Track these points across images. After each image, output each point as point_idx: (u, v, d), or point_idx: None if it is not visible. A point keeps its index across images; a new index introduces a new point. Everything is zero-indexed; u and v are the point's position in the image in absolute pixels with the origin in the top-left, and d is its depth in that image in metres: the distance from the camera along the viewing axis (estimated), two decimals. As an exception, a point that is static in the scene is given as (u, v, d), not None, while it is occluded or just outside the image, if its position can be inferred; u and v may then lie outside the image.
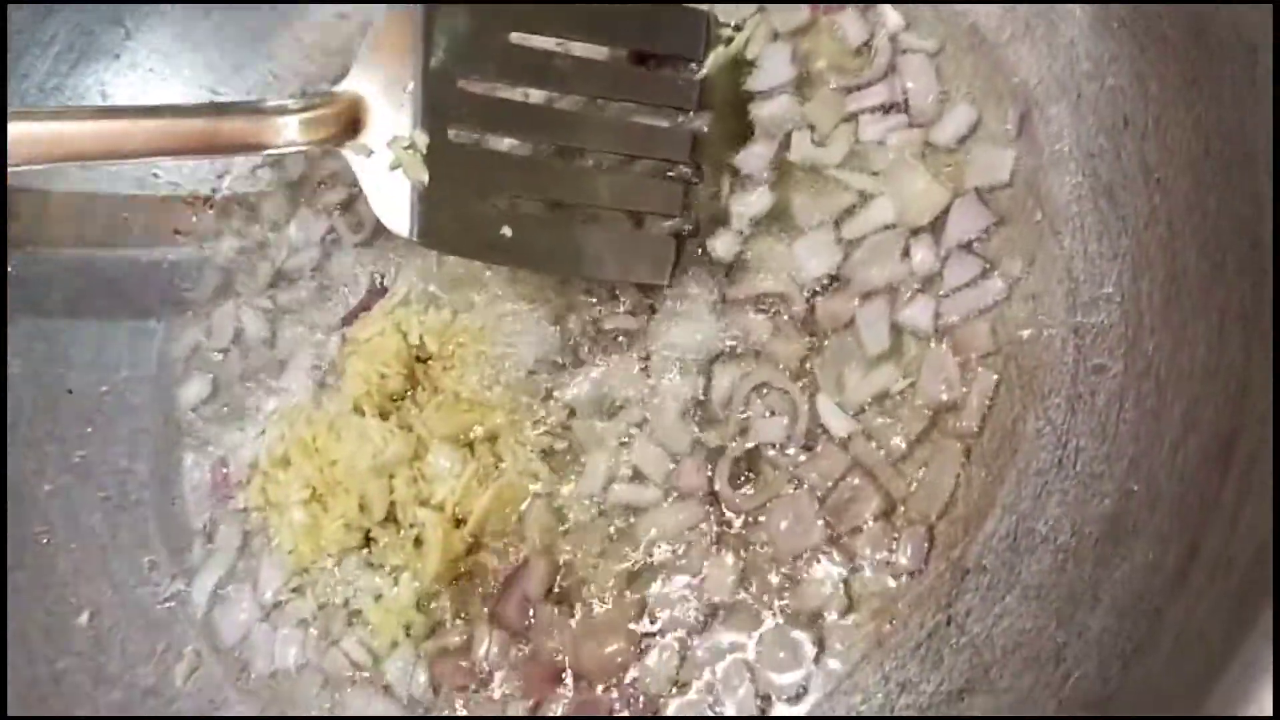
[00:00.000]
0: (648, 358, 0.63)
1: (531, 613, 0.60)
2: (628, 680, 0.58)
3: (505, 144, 0.66)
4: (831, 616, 0.56)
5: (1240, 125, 0.50)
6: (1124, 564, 0.48)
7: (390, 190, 0.63)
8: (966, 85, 0.61)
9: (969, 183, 0.60)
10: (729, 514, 0.59)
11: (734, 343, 0.61)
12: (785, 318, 0.61)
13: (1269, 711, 0.36)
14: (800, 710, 0.55)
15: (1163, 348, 0.52)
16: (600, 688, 0.58)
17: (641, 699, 0.57)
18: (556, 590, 0.60)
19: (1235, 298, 0.49)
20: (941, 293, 0.59)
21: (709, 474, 0.59)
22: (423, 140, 0.63)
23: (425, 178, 0.62)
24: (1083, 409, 0.54)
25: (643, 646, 0.58)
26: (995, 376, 0.57)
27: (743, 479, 0.59)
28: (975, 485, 0.56)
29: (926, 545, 0.55)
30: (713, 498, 0.59)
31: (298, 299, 0.71)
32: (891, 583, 0.55)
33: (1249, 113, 0.50)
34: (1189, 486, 0.47)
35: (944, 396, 0.57)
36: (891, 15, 0.64)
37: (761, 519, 0.58)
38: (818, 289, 0.61)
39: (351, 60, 0.65)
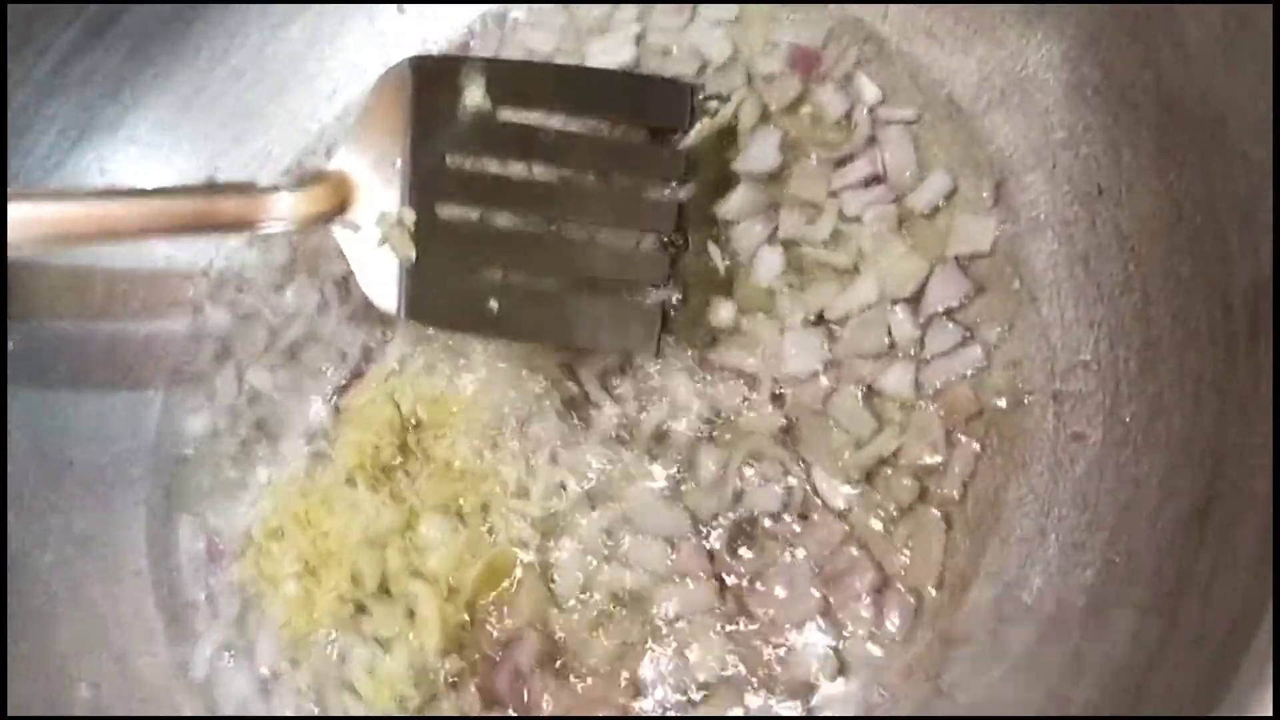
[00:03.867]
0: (630, 430, 0.63)
1: (524, 686, 0.60)
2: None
3: (492, 218, 0.67)
4: (822, 686, 0.56)
5: (1209, 192, 0.51)
6: (1107, 636, 0.48)
7: (378, 267, 0.64)
8: (944, 154, 0.62)
9: (949, 251, 0.60)
10: (729, 582, 0.59)
11: (712, 414, 0.62)
12: (755, 396, 0.62)
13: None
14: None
15: (1140, 416, 0.52)
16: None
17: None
18: (549, 663, 0.61)
19: (1209, 364, 0.50)
20: (923, 359, 0.59)
21: (707, 549, 0.60)
22: (410, 217, 0.64)
23: (413, 254, 0.63)
24: (1064, 477, 0.54)
25: None
26: (977, 445, 0.57)
27: (740, 544, 0.60)
28: (960, 554, 0.56)
29: (914, 614, 0.56)
30: (714, 575, 0.59)
31: (292, 369, 0.72)
32: (879, 652, 0.56)
33: (1218, 180, 0.50)
34: (1166, 558, 0.47)
35: (929, 460, 0.58)
36: (868, 88, 0.65)
37: (759, 586, 0.59)
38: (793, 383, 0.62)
39: (342, 133, 0.66)
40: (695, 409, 0.63)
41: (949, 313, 0.59)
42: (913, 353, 0.59)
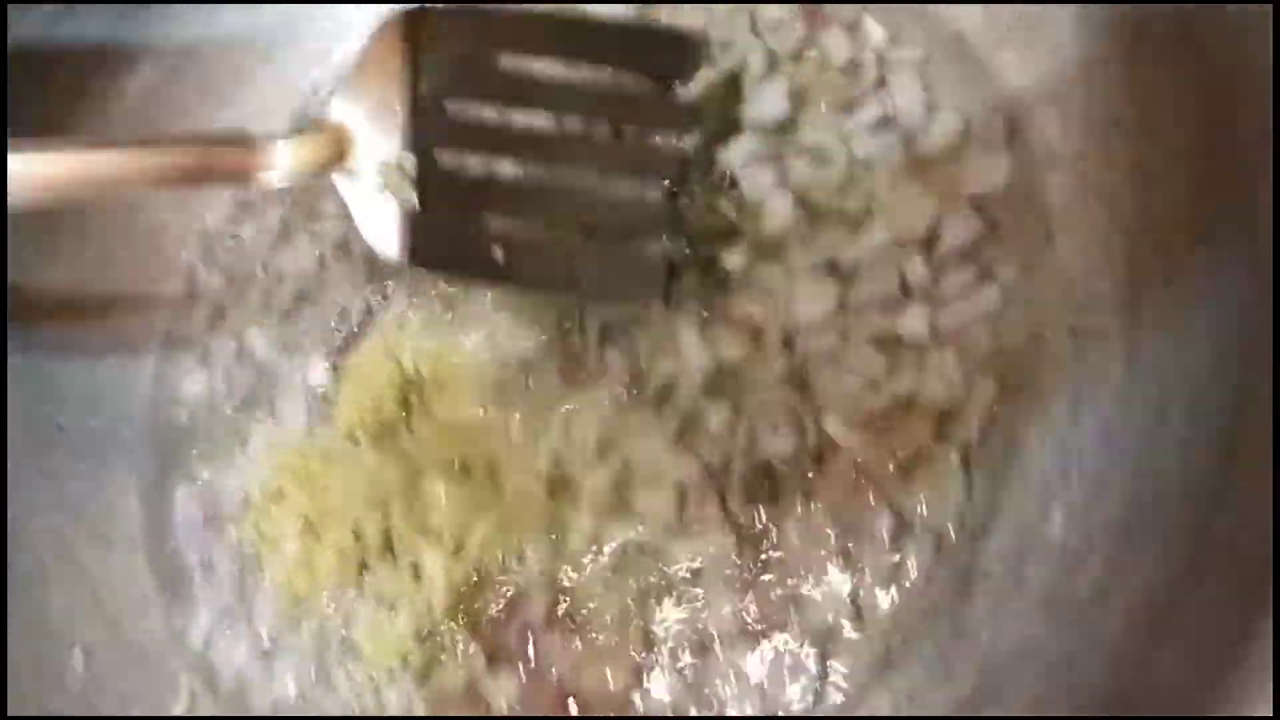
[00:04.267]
0: (638, 381, 0.62)
1: (532, 641, 0.59)
2: (632, 709, 0.57)
3: (494, 166, 0.65)
4: (840, 632, 0.55)
5: (1231, 118, 0.50)
6: (1132, 566, 0.47)
7: (379, 215, 0.63)
8: (953, 94, 0.61)
9: (962, 191, 0.59)
10: (743, 530, 0.58)
11: (720, 364, 0.61)
12: (764, 345, 0.60)
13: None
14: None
15: (1162, 349, 0.51)
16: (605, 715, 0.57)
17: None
18: (559, 618, 0.59)
19: (1235, 293, 0.48)
20: (938, 301, 0.58)
21: (720, 497, 0.59)
22: (411, 163, 0.62)
23: (414, 200, 0.62)
24: (1085, 414, 0.53)
25: (647, 673, 0.57)
26: (994, 386, 0.56)
27: (754, 492, 0.58)
28: (980, 495, 0.55)
29: (934, 557, 0.54)
30: (728, 523, 0.58)
31: (289, 329, 0.71)
32: (898, 595, 0.54)
33: (1240, 104, 0.49)
34: (1194, 483, 0.46)
35: (945, 402, 0.57)
36: (875, 30, 0.64)
37: (774, 534, 0.57)
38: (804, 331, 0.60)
39: (338, 86, 0.65)
40: (703, 360, 0.61)
41: (963, 253, 0.58)
42: (928, 295, 0.58)
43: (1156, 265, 0.53)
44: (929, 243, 0.59)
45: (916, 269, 0.58)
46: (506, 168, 0.66)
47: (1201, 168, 0.52)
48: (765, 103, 0.65)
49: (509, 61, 0.64)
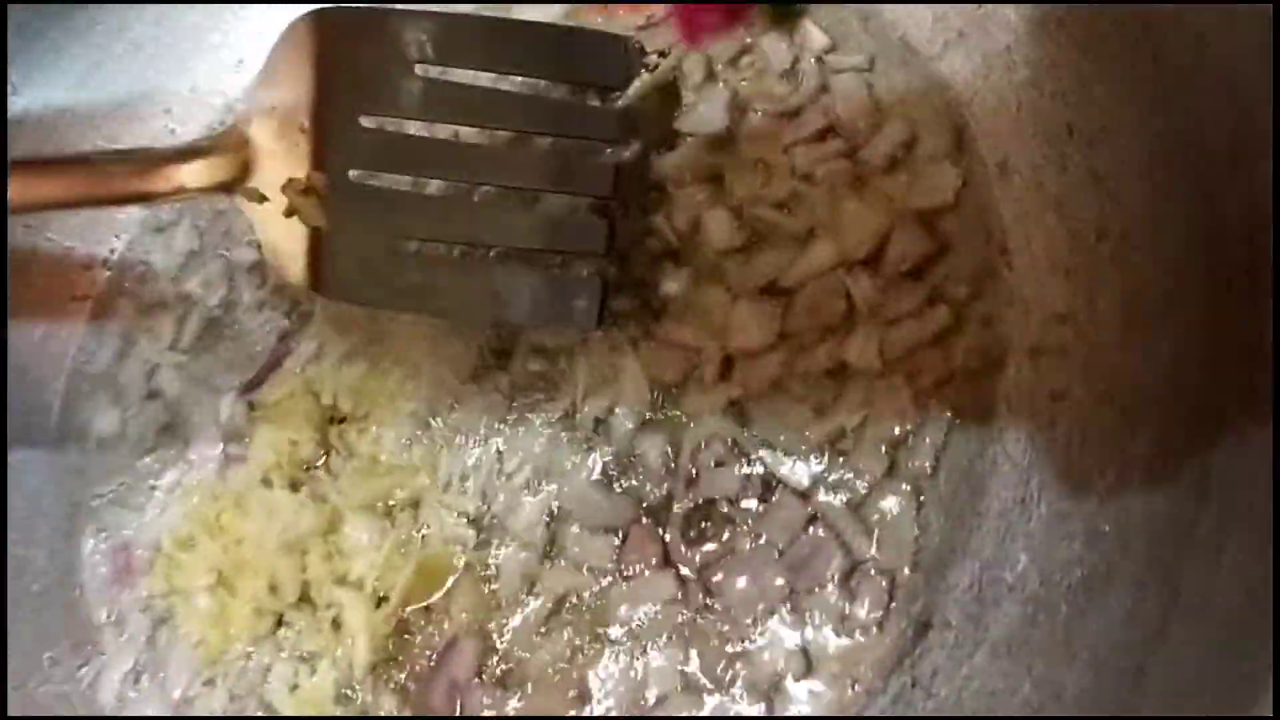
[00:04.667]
0: (571, 413, 0.58)
1: (461, 699, 0.55)
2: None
3: (411, 183, 0.61)
4: (789, 683, 0.51)
5: (1192, 124, 0.46)
6: (1100, 614, 0.44)
7: (286, 238, 0.58)
8: (900, 102, 0.58)
9: (910, 205, 0.56)
10: (685, 574, 0.54)
11: (657, 393, 0.57)
12: (704, 372, 0.57)
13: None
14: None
15: (1124, 369, 0.48)
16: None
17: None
18: (488, 673, 0.55)
19: (1199, 310, 0.45)
20: (887, 322, 0.54)
21: (662, 539, 0.55)
22: (320, 182, 0.58)
23: (322, 223, 0.58)
24: (1043, 441, 0.50)
25: None
26: (949, 412, 0.52)
27: (697, 534, 0.55)
28: (935, 531, 0.51)
29: (887, 599, 0.51)
30: (669, 567, 0.54)
31: (201, 363, 0.66)
32: (850, 643, 0.51)
33: (1201, 109, 0.46)
34: (1163, 523, 0.43)
35: (897, 430, 0.53)
36: (816, 35, 0.60)
37: (719, 577, 0.54)
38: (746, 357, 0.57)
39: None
40: (639, 389, 0.57)
41: (913, 272, 0.55)
42: (875, 317, 0.54)
43: (1115, 280, 0.49)
44: (876, 261, 0.55)
45: (864, 290, 0.55)
46: (425, 185, 0.61)
47: (1160, 174, 0.48)
48: (704, 112, 0.61)
49: (427, 71, 0.59)
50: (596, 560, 0.55)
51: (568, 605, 0.55)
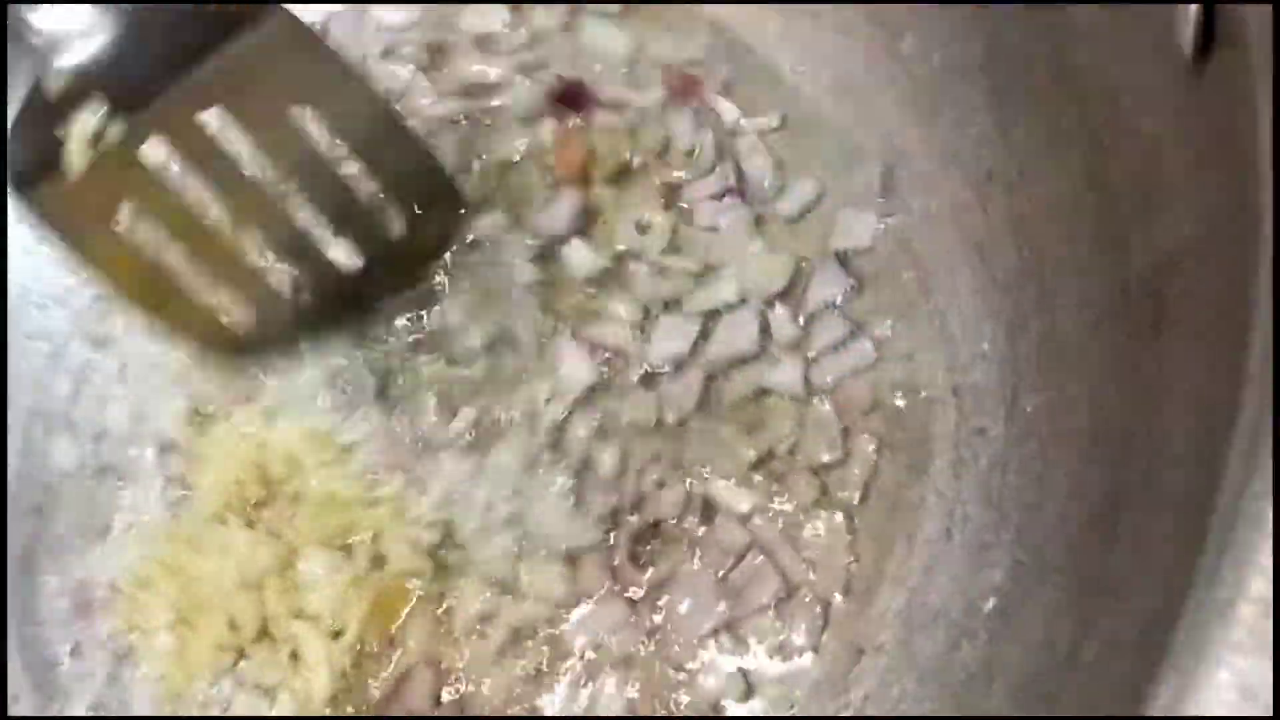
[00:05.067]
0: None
1: (417, 729, 0.57)
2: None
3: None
4: (728, 709, 0.53)
5: (1102, 171, 0.49)
6: (1016, 642, 0.46)
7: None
8: (814, 154, 0.60)
9: (830, 246, 0.58)
10: (632, 596, 0.56)
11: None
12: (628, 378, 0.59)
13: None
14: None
15: (1042, 408, 0.50)
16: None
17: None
18: (445, 702, 0.57)
19: (1111, 353, 0.48)
20: (809, 356, 0.57)
21: (612, 564, 0.57)
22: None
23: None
24: (967, 475, 0.52)
25: None
26: (875, 443, 0.55)
27: (646, 558, 0.57)
28: (866, 558, 0.54)
29: (821, 624, 0.53)
30: (616, 586, 0.56)
31: (143, 399, 0.66)
32: (784, 666, 0.53)
33: (1111, 158, 0.49)
34: (1076, 557, 0.46)
35: (827, 458, 0.55)
36: (728, 109, 0.62)
37: (661, 601, 0.56)
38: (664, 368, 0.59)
39: None
40: (584, 375, 0.59)
41: (833, 306, 0.57)
42: (798, 349, 0.57)
43: (1035, 322, 0.52)
44: (794, 297, 0.58)
45: (782, 323, 0.57)
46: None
47: (1075, 219, 0.51)
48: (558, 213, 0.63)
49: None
50: (550, 590, 0.57)
51: (524, 634, 0.57)
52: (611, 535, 0.57)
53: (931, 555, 0.52)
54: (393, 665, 0.58)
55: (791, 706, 0.52)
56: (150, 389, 0.67)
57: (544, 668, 0.56)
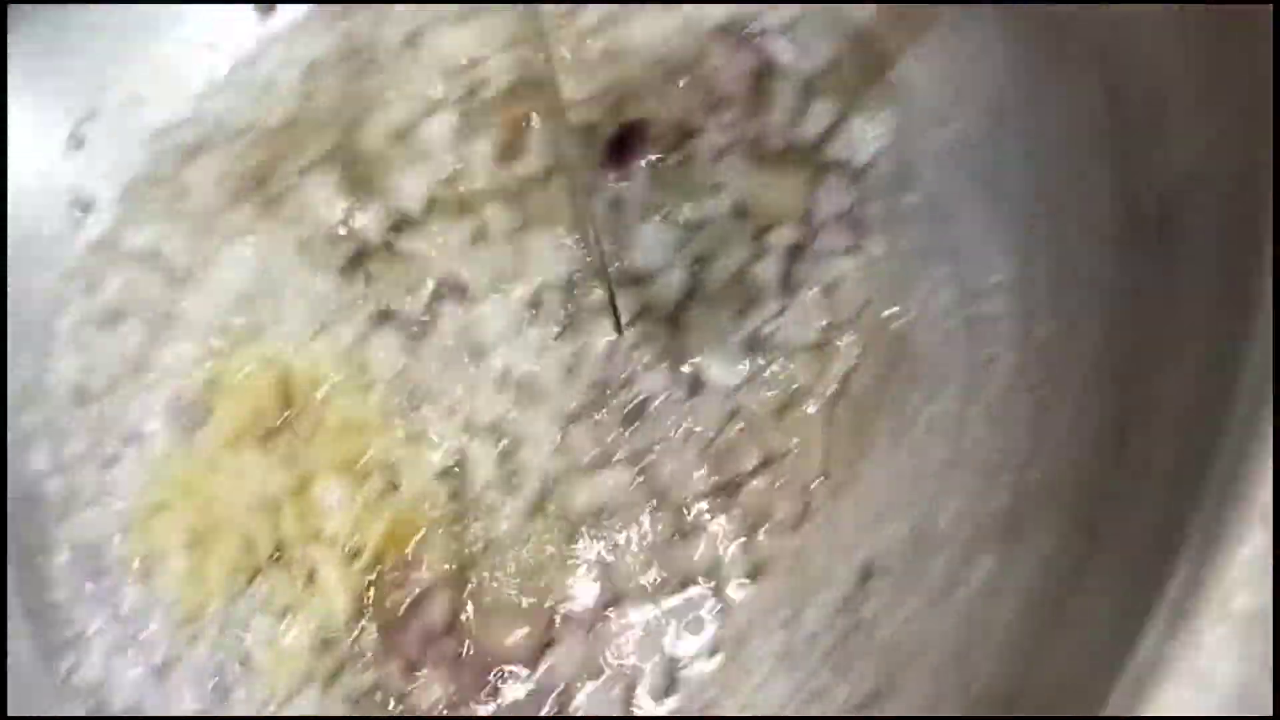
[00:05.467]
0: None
1: (436, 647, 0.58)
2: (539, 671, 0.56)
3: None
4: (732, 580, 0.55)
5: (1112, 95, 0.50)
6: (1025, 558, 0.48)
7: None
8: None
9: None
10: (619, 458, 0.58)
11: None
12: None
13: (1168, 710, 0.36)
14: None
15: (1053, 335, 0.51)
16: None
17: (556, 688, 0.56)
18: (461, 620, 0.58)
19: (1121, 278, 0.48)
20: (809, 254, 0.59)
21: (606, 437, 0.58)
22: None
23: None
24: (976, 402, 0.53)
25: (551, 638, 0.57)
26: (857, 352, 0.57)
27: (632, 423, 0.58)
28: (874, 490, 0.55)
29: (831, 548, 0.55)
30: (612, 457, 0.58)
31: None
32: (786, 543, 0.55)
33: (1120, 80, 0.49)
34: (1083, 477, 0.47)
35: (812, 337, 0.57)
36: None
37: (648, 464, 0.57)
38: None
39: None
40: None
41: (841, 217, 0.58)
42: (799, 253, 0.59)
43: (1047, 249, 0.53)
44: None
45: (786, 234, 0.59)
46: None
47: (1086, 144, 0.51)
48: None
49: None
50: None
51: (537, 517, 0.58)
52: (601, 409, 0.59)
53: (940, 481, 0.53)
54: (412, 586, 0.59)
55: (797, 575, 0.54)
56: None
57: (561, 547, 0.58)
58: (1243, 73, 0.43)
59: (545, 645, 0.57)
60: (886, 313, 0.57)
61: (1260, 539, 0.36)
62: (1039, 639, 0.45)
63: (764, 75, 0.61)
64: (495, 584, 0.58)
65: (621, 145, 0.62)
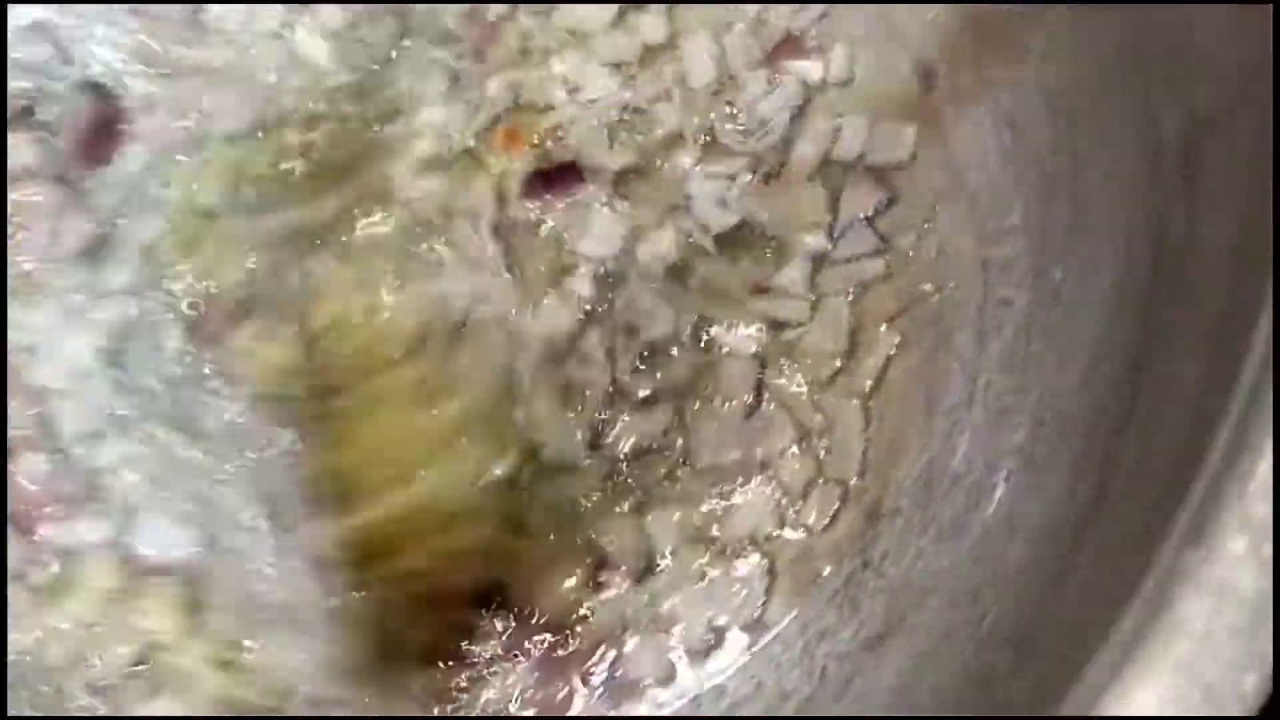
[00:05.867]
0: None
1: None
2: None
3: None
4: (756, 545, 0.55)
5: (1133, 37, 0.49)
6: (1038, 495, 0.47)
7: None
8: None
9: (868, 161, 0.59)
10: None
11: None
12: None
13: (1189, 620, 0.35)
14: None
15: (1070, 275, 0.51)
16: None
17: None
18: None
19: (1141, 217, 0.48)
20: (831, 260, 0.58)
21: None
22: None
23: None
24: (990, 343, 0.53)
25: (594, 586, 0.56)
26: (898, 337, 0.56)
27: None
28: (885, 432, 0.55)
29: (839, 504, 0.54)
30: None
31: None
32: (805, 535, 0.54)
33: (1145, 23, 0.49)
34: (1099, 415, 0.46)
35: (831, 347, 0.57)
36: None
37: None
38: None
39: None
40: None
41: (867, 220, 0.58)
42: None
43: (1065, 191, 0.52)
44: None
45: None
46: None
47: (1107, 86, 0.51)
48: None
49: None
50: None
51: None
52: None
53: (953, 422, 0.53)
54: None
55: (811, 566, 0.53)
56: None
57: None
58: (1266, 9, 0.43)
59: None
60: (925, 290, 0.56)
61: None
62: (1053, 575, 0.45)
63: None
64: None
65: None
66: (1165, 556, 0.35)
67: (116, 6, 0.60)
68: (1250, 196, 0.42)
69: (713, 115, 0.59)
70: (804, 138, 0.59)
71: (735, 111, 0.59)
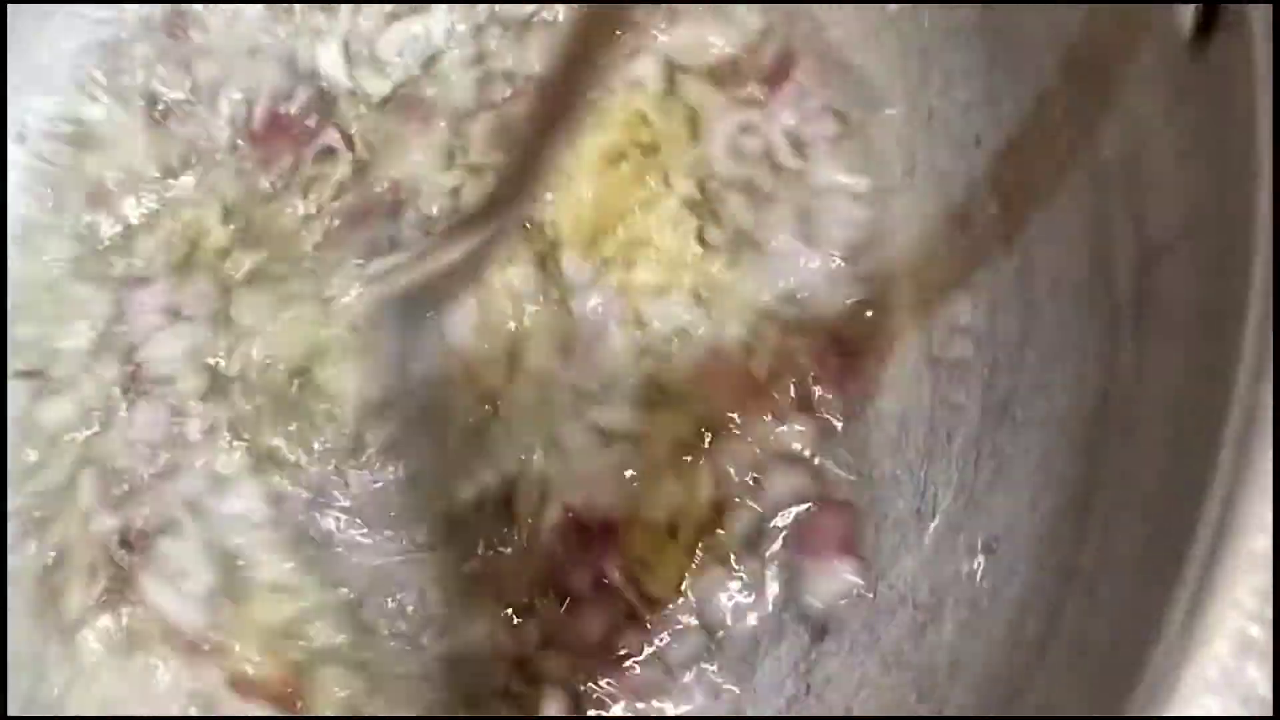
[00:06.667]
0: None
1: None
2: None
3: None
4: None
5: (1092, 148, 0.47)
6: (983, 633, 0.46)
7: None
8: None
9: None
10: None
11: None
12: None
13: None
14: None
15: (1019, 389, 0.49)
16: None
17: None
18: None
19: (1091, 339, 0.46)
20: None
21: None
22: None
23: None
24: (940, 454, 0.51)
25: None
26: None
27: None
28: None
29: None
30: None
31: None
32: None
33: (1101, 135, 0.46)
34: (1045, 549, 0.44)
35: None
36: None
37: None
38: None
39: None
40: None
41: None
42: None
43: (1015, 298, 0.50)
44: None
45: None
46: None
47: (1061, 196, 0.49)
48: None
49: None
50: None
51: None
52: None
53: (900, 537, 0.51)
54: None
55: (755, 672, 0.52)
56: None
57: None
58: (1228, 129, 0.40)
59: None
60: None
61: (1236, 620, 0.34)
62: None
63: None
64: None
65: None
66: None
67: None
68: (1203, 338, 0.40)
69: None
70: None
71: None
